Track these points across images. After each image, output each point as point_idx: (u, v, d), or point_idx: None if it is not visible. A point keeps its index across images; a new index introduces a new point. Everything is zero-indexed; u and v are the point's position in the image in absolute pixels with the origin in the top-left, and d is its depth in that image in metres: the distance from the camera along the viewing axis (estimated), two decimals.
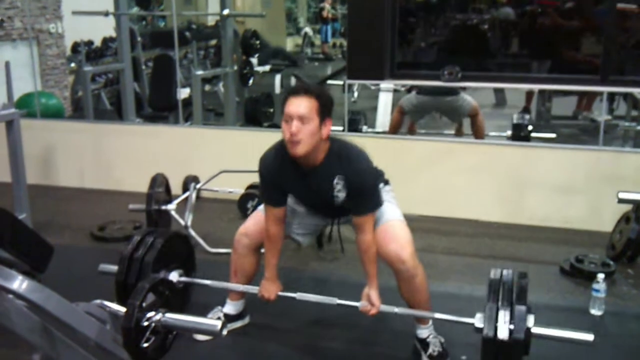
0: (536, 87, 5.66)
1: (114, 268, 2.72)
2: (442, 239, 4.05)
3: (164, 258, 2.75)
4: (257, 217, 2.74)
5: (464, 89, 5.07)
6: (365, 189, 2.44)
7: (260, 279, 2.77)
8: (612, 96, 6.01)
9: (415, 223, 4.10)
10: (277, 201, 2.57)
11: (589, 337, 2.30)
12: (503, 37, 5.80)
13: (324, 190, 2.46)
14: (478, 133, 5.15)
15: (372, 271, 2.53)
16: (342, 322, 2.98)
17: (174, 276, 2.77)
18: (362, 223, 2.48)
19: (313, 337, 2.90)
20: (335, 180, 2.42)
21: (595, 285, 3.04)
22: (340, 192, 2.44)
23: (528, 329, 2.22)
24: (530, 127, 5.05)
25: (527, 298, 2.30)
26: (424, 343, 2.66)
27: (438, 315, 2.54)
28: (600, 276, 3.05)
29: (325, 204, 2.55)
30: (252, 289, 2.75)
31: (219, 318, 2.80)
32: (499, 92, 7.34)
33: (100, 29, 8.07)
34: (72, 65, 8.05)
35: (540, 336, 2.28)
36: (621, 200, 3.37)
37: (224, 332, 2.03)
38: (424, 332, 2.68)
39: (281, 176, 2.50)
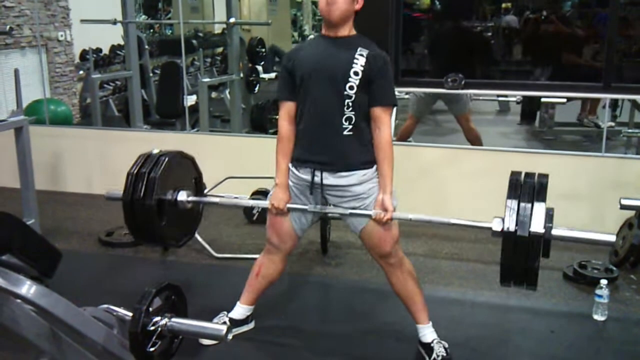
0: (539, 94, 5.68)
1: (120, 192, 2.64)
2: (446, 244, 4.07)
3: (171, 176, 2.65)
4: (275, 222, 2.70)
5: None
6: (385, 73, 2.51)
7: (276, 289, 2.80)
8: (615, 103, 6.03)
9: (419, 228, 4.16)
10: (290, 94, 2.59)
11: (611, 237, 2.24)
12: (506, 44, 5.82)
13: (344, 58, 2.49)
14: (474, 141, 5.14)
15: (387, 172, 2.51)
16: (347, 327, 3.00)
17: (182, 195, 2.67)
18: (380, 117, 2.49)
19: (318, 343, 2.92)
20: (358, 51, 2.49)
21: (598, 291, 3.06)
22: (358, 62, 2.47)
23: (547, 226, 2.14)
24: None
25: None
26: (428, 348, 2.68)
27: (454, 221, 2.47)
28: (603, 282, 3.06)
29: (339, 77, 2.48)
30: (263, 203, 2.70)
31: (224, 323, 2.84)
32: (502, 98, 7.37)
33: (109, 37, 8.14)
34: (81, 72, 8.13)
35: (561, 238, 2.19)
36: (624, 207, 3.37)
37: (229, 336, 2.04)
38: (426, 333, 2.71)
39: (304, 51, 2.61)
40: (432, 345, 2.68)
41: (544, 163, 4.31)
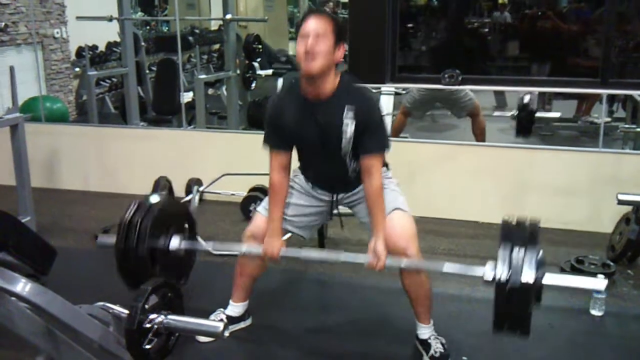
0: (536, 90, 5.67)
1: (112, 239, 2.63)
2: (444, 240, 4.07)
3: (163, 223, 2.64)
4: (261, 219, 2.69)
5: None
6: (374, 121, 2.44)
7: (264, 282, 2.79)
8: (612, 98, 6.03)
9: (416, 224, 4.14)
10: (282, 145, 2.55)
11: (602, 283, 2.26)
12: (503, 40, 5.81)
13: (332, 124, 2.42)
14: (479, 135, 5.16)
15: (379, 219, 2.47)
16: (344, 322, 3.00)
17: (174, 242, 2.64)
18: (370, 165, 2.45)
19: (315, 338, 2.91)
20: (345, 112, 2.40)
21: None
22: (348, 125, 2.40)
23: (539, 275, 2.14)
24: (534, 108, 5.04)
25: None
26: (426, 344, 2.68)
27: (447, 269, 2.43)
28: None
29: (331, 144, 2.47)
30: (255, 249, 2.63)
31: (221, 320, 2.83)
32: (499, 94, 7.36)
33: (105, 34, 8.11)
34: (77, 69, 8.11)
35: (552, 285, 2.20)
36: (621, 202, 3.38)
37: (226, 333, 2.04)
38: (424, 332, 2.70)
39: (288, 114, 2.48)
40: (429, 341, 2.67)
41: (541, 159, 4.31)
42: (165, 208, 2.66)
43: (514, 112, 5.13)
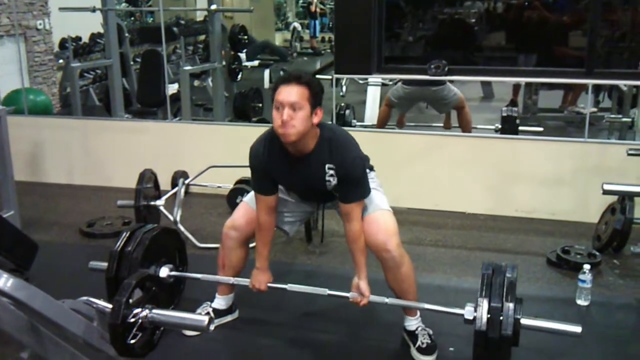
0: (523, 80, 5.68)
1: (104, 265, 2.72)
2: (430, 231, 4.07)
3: (154, 253, 2.75)
4: (244, 210, 2.74)
5: (451, 80, 5.09)
6: (354, 177, 2.45)
7: (249, 272, 2.78)
8: (597, 88, 6.06)
9: (403, 215, 4.15)
10: (268, 190, 2.57)
11: (577, 329, 2.34)
12: (490, 30, 5.80)
13: (316, 177, 2.46)
14: (465, 126, 5.18)
15: (361, 261, 2.53)
16: (331, 315, 2.99)
17: (164, 271, 2.77)
18: (350, 211, 2.48)
19: (302, 330, 2.91)
20: (326, 169, 2.43)
21: (581, 276, 3.07)
22: (332, 177, 2.44)
23: (517, 322, 2.27)
24: (517, 121, 5.10)
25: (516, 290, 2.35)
26: (413, 335, 2.68)
27: (428, 306, 2.57)
28: (587, 267, 3.07)
29: (317, 190, 2.55)
30: (243, 281, 2.75)
31: (207, 313, 2.82)
32: (486, 85, 7.37)
33: (88, 25, 8.02)
34: (60, 61, 8.02)
35: (529, 327, 2.33)
36: (606, 192, 3.38)
37: (211, 327, 2.03)
38: (412, 324, 2.70)
39: (271, 165, 2.50)
40: (416, 332, 2.68)
41: (528, 149, 4.32)
42: (157, 237, 2.78)
43: (497, 126, 5.16)
